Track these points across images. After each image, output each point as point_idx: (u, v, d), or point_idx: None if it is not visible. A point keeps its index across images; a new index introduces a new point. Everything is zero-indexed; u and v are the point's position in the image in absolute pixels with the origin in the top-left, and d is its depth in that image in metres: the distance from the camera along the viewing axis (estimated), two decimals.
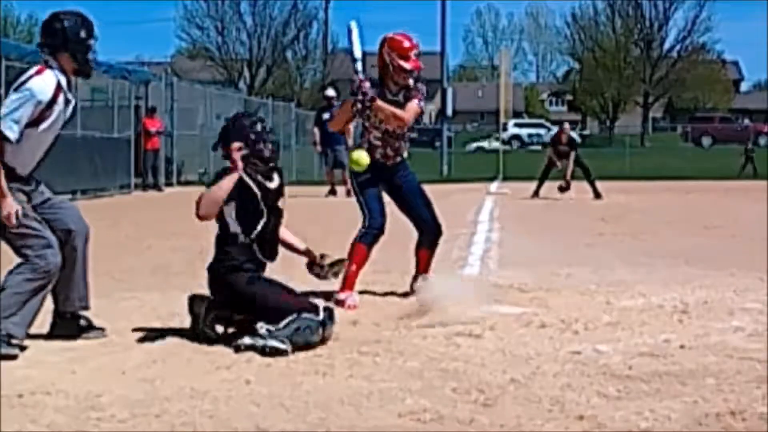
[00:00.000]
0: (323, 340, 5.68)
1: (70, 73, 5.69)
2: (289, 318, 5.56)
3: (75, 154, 19.48)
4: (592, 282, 8.15)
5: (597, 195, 20.45)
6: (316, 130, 21.15)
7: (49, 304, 5.82)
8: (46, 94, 5.50)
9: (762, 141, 63.83)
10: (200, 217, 5.83)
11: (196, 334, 5.79)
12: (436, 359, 5.41)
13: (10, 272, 5.54)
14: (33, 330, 5.72)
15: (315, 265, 6.35)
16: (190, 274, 7.92)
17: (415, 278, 7.45)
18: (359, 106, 7.22)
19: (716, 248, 11.05)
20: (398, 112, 7.24)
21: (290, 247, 6.32)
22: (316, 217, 14.66)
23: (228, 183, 5.80)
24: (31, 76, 5.54)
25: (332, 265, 6.39)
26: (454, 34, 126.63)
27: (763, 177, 24.68)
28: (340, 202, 15.19)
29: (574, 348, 5.68)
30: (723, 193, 21.57)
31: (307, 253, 6.34)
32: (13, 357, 5.35)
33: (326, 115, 21.27)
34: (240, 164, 5.86)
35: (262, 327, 5.54)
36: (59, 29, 5.63)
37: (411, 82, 7.31)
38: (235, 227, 5.85)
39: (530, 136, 63.82)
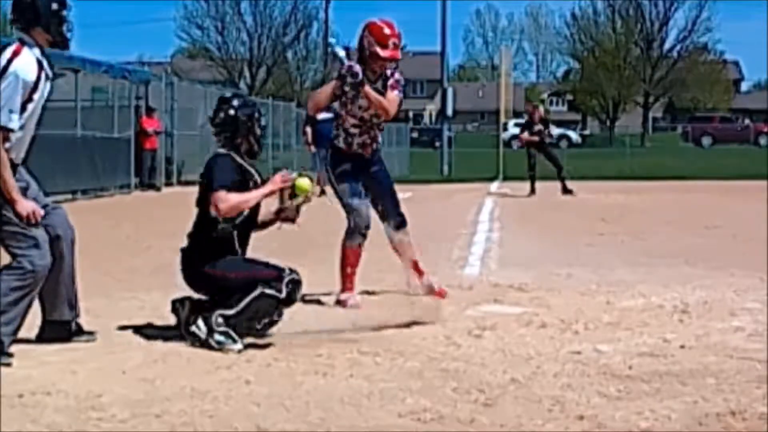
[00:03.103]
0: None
1: (44, 47, 5.53)
2: (250, 298, 5.60)
3: (75, 154, 19.46)
4: (592, 282, 8.15)
5: (566, 191, 20.54)
6: (308, 130, 21.08)
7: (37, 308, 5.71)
8: (31, 75, 5.37)
9: (762, 141, 63.95)
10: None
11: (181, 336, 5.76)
12: (436, 359, 5.41)
13: None
14: (31, 331, 5.72)
15: (281, 212, 6.27)
16: None
17: (419, 277, 7.26)
18: (349, 86, 7.07)
19: (716, 248, 11.05)
20: (383, 102, 7.11)
21: (266, 224, 6.29)
22: (315, 217, 14.62)
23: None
24: (10, 60, 5.37)
25: (291, 197, 6.31)
26: (454, 34, 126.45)
27: (764, 177, 24.61)
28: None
29: (574, 348, 5.69)
30: (723, 193, 21.54)
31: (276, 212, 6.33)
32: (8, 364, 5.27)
33: (320, 115, 21.19)
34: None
35: (217, 316, 5.59)
36: (29, 3, 5.48)
37: (388, 72, 7.17)
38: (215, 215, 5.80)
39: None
